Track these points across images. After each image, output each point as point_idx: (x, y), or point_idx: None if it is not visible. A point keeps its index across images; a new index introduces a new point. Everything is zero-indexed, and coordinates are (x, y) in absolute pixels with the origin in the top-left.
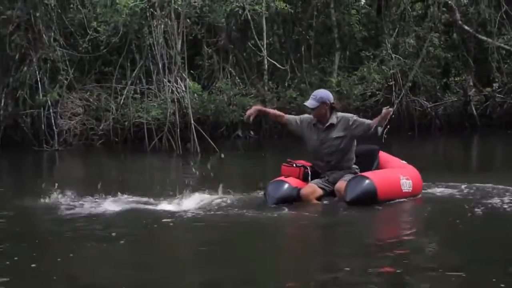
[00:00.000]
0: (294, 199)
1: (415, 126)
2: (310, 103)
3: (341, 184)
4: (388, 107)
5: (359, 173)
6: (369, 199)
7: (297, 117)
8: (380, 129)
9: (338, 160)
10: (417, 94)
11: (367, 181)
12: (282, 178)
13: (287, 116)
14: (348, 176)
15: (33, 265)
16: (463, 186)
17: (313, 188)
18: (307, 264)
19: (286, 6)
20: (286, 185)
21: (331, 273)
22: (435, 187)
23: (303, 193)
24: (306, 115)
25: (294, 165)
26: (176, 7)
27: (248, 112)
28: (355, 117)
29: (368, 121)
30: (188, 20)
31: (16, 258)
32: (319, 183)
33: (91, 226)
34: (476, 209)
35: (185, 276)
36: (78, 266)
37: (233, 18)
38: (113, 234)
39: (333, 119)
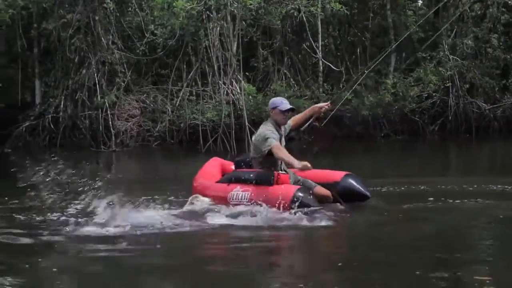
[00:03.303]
0: None
1: (472, 129)
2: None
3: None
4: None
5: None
6: None
7: (273, 135)
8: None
9: None
10: (474, 96)
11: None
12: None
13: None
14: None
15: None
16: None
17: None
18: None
19: (342, 7)
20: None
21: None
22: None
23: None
24: (269, 126)
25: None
26: (232, 9)
27: None
28: None
29: None
30: (243, 23)
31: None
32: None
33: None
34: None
35: None
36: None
37: (289, 20)
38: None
39: None
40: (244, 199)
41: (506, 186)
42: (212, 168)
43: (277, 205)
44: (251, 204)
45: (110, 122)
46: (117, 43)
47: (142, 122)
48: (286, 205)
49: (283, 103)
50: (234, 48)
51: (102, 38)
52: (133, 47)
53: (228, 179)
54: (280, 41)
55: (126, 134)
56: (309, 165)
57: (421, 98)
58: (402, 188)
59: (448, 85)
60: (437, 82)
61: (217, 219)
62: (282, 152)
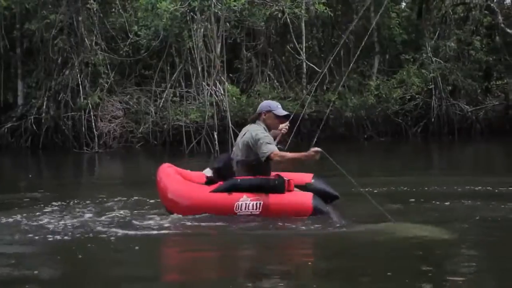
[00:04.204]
0: None
1: (455, 130)
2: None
3: None
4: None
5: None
6: None
7: (271, 139)
8: None
9: None
10: (457, 98)
11: None
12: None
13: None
14: None
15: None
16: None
17: None
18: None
19: (325, 9)
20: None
21: None
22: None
23: None
24: (262, 129)
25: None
26: (216, 11)
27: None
28: None
29: None
30: (227, 24)
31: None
32: None
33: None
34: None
35: None
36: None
37: (273, 22)
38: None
39: None
40: (256, 208)
41: (488, 187)
42: (178, 176)
43: (295, 213)
44: (264, 214)
45: (93, 124)
46: (100, 44)
47: (125, 123)
48: (309, 213)
49: (279, 108)
50: (218, 50)
51: (86, 39)
52: (116, 48)
53: (228, 188)
54: (264, 43)
55: (109, 136)
56: (319, 149)
57: (404, 100)
58: (384, 189)
59: (431, 87)
60: (420, 84)
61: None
62: (286, 155)
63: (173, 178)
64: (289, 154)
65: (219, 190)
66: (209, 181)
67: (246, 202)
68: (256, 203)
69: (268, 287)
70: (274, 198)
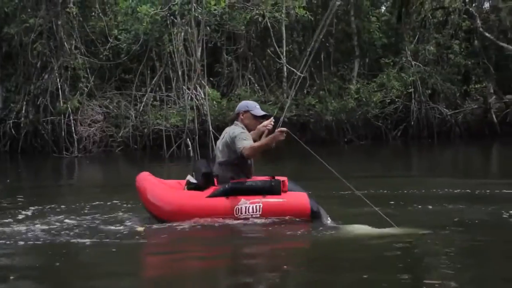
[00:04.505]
0: None
1: (434, 134)
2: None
3: None
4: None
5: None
6: None
7: (248, 136)
8: None
9: None
10: (436, 102)
11: None
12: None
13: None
14: None
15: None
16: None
17: None
18: None
19: (306, 13)
20: None
21: None
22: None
23: None
24: (244, 130)
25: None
26: (197, 15)
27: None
28: None
29: None
30: (208, 28)
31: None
32: None
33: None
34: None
35: None
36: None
37: (253, 26)
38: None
39: None
40: (256, 211)
41: (467, 190)
42: (163, 183)
43: (294, 214)
44: (265, 216)
45: (73, 128)
46: (80, 48)
47: (105, 128)
48: (307, 213)
49: (257, 108)
50: (199, 54)
51: (65, 43)
52: (96, 52)
53: (224, 192)
54: (245, 47)
55: (89, 140)
56: (284, 128)
57: (384, 104)
58: (364, 192)
59: (410, 90)
60: (400, 88)
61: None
62: (255, 145)
63: (161, 186)
64: (257, 143)
65: (216, 194)
66: (193, 188)
67: (246, 205)
68: (256, 206)
69: None
70: (273, 200)
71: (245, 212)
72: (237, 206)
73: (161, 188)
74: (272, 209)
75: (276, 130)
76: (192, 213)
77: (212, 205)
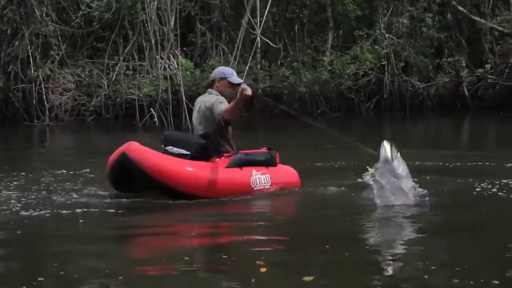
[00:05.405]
0: None
1: (407, 107)
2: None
3: None
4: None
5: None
6: None
7: (223, 99)
8: None
9: None
10: (409, 74)
11: None
12: None
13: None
14: None
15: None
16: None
17: None
18: None
19: None
20: None
21: None
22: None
23: None
24: (220, 96)
25: None
26: None
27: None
28: None
29: None
30: None
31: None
32: None
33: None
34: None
35: None
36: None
37: None
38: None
39: None
40: (267, 183)
41: (439, 162)
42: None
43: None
44: (273, 187)
45: (44, 96)
46: (51, 15)
47: (77, 96)
48: (299, 184)
49: (234, 75)
50: (172, 23)
51: (36, 10)
52: (68, 20)
53: (238, 163)
54: (219, 17)
55: (61, 108)
56: (244, 84)
57: (357, 76)
58: (337, 163)
59: (383, 63)
60: (373, 60)
61: None
62: (229, 106)
63: (170, 158)
64: (231, 104)
65: (231, 165)
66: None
67: (258, 176)
68: (266, 177)
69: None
70: (275, 171)
71: (259, 183)
72: (252, 177)
73: (170, 160)
74: (277, 180)
75: (238, 91)
76: (216, 186)
77: (232, 177)
